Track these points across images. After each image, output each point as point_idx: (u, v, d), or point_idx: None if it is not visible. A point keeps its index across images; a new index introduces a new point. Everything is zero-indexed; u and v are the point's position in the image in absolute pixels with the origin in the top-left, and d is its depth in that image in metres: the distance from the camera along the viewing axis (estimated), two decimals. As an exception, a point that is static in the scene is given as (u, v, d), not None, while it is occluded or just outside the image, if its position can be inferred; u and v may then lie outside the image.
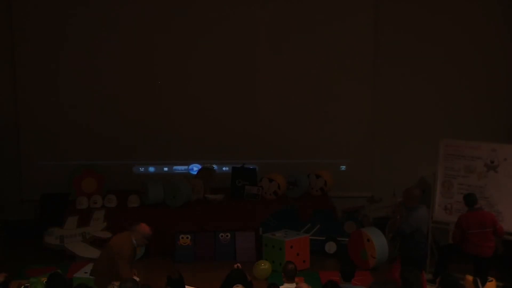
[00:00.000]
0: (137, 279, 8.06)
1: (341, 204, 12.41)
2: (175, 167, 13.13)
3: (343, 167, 13.25)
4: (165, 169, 13.12)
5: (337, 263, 10.70)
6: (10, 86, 12.76)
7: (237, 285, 7.79)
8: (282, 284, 8.32)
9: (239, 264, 8.80)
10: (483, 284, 8.81)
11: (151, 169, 13.14)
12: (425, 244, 9.55)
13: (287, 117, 13.04)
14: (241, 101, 13.02)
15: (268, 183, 12.36)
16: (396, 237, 11.05)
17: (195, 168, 13.05)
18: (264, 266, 10.64)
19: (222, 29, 12.82)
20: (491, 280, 9.05)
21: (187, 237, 11.52)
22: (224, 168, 13.09)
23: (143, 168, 13.12)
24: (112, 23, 12.70)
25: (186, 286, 8.19)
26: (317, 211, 11.89)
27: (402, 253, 9.47)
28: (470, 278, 8.51)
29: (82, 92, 12.78)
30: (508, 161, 10.27)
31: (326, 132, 13.10)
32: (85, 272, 9.61)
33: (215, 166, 12.75)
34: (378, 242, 10.97)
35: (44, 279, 8.38)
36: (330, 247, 11.67)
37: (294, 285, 8.20)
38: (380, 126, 13.19)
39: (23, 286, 8.62)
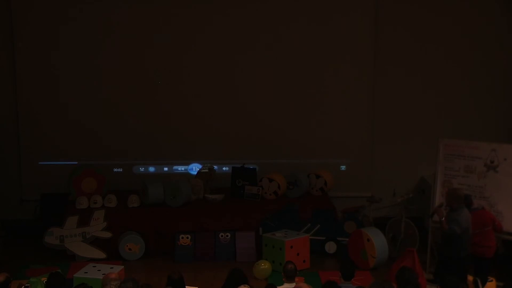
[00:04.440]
0: None
1: (341, 204, 12.41)
2: (175, 167, 13.12)
3: (343, 167, 13.24)
4: (165, 169, 13.11)
5: (337, 263, 10.69)
6: (10, 86, 12.75)
7: (245, 285, 7.76)
8: (282, 284, 8.32)
9: None
10: (484, 284, 8.81)
11: (151, 169, 13.13)
12: (470, 244, 9.44)
13: (287, 117, 13.04)
14: (241, 101, 13.00)
15: (268, 183, 12.35)
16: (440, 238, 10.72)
17: (195, 168, 13.04)
18: (264, 266, 10.63)
19: (221, 28, 12.81)
20: (491, 280, 9.04)
21: (187, 237, 11.51)
22: (224, 168, 13.08)
23: (143, 168, 13.12)
24: (113, 23, 12.68)
25: (186, 286, 8.18)
26: (317, 211, 11.88)
27: (450, 254, 9.26)
28: (470, 278, 8.52)
29: (82, 92, 12.77)
30: (508, 161, 10.24)
31: (326, 132, 13.09)
32: (85, 272, 9.61)
33: (215, 166, 12.73)
34: (378, 242, 10.96)
35: (44, 279, 8.38)
36: (330, 247, 11.65)
37: (294, 285, 8.19)
38: (380, 126, 13.19)
39: (23, 286, 8.60)
